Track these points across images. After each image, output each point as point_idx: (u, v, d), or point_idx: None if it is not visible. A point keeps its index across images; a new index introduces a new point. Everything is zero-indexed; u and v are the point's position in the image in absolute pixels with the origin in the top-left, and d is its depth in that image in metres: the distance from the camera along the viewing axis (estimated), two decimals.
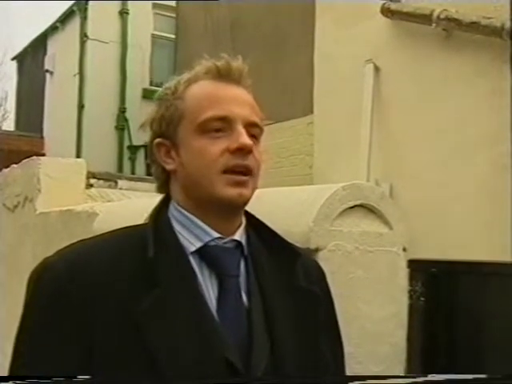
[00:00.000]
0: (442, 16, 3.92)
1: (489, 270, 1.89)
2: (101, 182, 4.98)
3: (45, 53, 14.27)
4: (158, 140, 1.15)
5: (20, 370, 1.03)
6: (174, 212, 1.14)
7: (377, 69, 4.60)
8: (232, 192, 1.08)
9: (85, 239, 1.13)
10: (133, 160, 12.50)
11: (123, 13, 12.56)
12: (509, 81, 3.54)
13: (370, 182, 4.01)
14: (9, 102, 21.49)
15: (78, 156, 11.10)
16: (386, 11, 4.45)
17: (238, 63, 1.15)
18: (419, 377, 1.22)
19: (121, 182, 5.23)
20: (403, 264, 1.88)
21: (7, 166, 4.85)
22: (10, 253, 4.44)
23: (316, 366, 1.15)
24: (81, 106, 12.43)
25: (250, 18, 7.06)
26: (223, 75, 1.13)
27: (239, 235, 1.15)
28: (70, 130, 12.54)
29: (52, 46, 14.16)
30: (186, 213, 1.13)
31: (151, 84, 12.71)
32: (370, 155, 4.41)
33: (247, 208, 1.18)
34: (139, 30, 12.60)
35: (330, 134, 5.06)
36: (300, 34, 5.88)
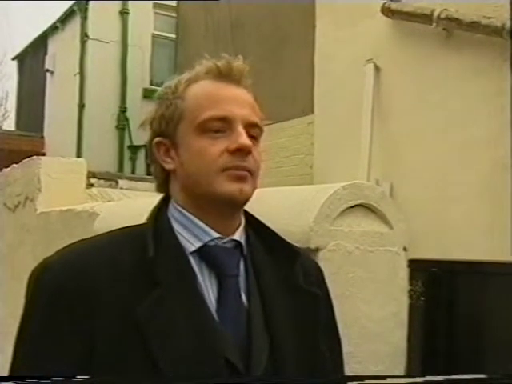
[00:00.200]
0: (442, 16, 3.92)
1: (489, 270, 1.89)
2: (101, 181, 4.99)
3: (45, 52, 14.26)
4: (157, 139, 1.15)
5: (21, 370, 1.03)
6: (174, 212, 1.14)
7: (377, 68, 4.60)
8: (233, 187, 1.08)
9: (85, 239, 1.13)
10: (133, 160, 12.50)
11: (124, 12, 12.56)
12: (509, 80, 3.54)
13: (370, 182, 4.01)
14: (9, 102, 21.50)
15: (79, 156, 11.09)
16: (387, 11, 4.45)
17: (238, 63, 1.14)
18: (419, 377, 1.22)
19: (121, 182, 5.24)
20: (403, 264, 1.89)
21: (8, 166, 4.85)
22: (11, 252, 4.44)
23: (315, 365, 1.15)
24: (81, 106, 12.43)
25: (250, 18, 7.06)
26: (224, 75, 1.13)
27: (239, 235, 1.15)
28: (70, 129, 12.54)
29: (52, 45, 14.16)
30: (185, 212, 1.13)
31: (152, 84, 12.70)
32: (370, 155, 4.41)
33: (247, 208, 1.18)
34: (140, 29, 12.59)
35: (331, 133, 5.06)
36: (300, 34, 5.88)
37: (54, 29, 14.06)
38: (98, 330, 1.00)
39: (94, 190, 4.45)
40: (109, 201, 4.12)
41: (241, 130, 1.09)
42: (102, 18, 12.40)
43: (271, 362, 1.08)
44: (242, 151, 1.09)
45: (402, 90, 4.40)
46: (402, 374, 1.82)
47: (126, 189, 4.85)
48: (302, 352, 1.13)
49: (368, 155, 4.41)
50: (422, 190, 4.06)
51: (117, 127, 12.51)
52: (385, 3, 4.45)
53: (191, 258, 1.09)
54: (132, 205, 3.01)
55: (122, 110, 12.49)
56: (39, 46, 14.82)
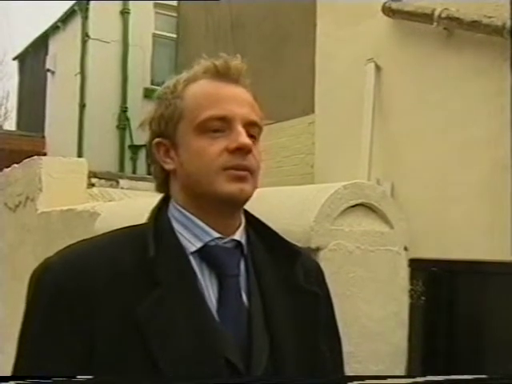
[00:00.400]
0: (443, 15, 3.92)
1: (489, 270, 1.89)
2: (102, 181, 4.99)
3: (46, 52, 14.27)
4: (157, 140, 1.15)
5: (22, 370, 1.03)
6: (174, 212, 1.14)
7: (378, 68, 4.61)
8: (233, 187, 1.08)
9: (85, 239, 1.13)
10: (134, 159, 12.50)
11: (124, 12, 12.56)
12: (509, 80, 3.54)
13: (371, 181, 4.01)
14: (10, 102, 21.53)
15: (80, 155, 11.10)
16: (388, 10, 4.45)
17: (236, 62, 1.14)
18: (419, 377, 1.22)
19: (122, 182, 5.24)
20: (404, 263, 1.89)
21: (8, 166, 4.85)
22: (11, 252, 4.44)
23: (315, 365, 1.15)
24: (82, 106, 12.43)
25: (250, 18, 7.05)
26: (222, 74, 1.13)
27: (239, 235, 1.15)
28: (71, 129, 12.54)
29: (53, 45, 14.16)
30: (185, 212, 1.13)
31: (152, 83, 12.70)
32: (371, 154, 4.41)
33: (248, 208, 1.18)
34: (140, 29, 12.59)
35: (331, 133, 5.06)
36: (301, 33, 5.88)
37: (54, 28, 14.06)
38: (98, 330, 1.00)
39: (94, 189, 4.45)
40: (110, 200, 4.12)
41: (240, 129, 1.09)
42: (102, 17, 12.40)
43: (271, 362, 1.08)
44: (242, 150, 1.08)
45: (403, 89, 4.40)
46: (402, 374, 1.82)
47: (127, 188, 4.85)
48: (302, 352, 1.13)
49: (369, 155, 4.41)
50: (422, 189, 4.06)
51: (118, 127, 12.51)
52: (385, 3, 4.45)
53: (192, 258, 1.09)
54: (133, 204, 3.02)
55: (123, 110, 12.50)
56: (40, 45, 14.82)
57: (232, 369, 1.04)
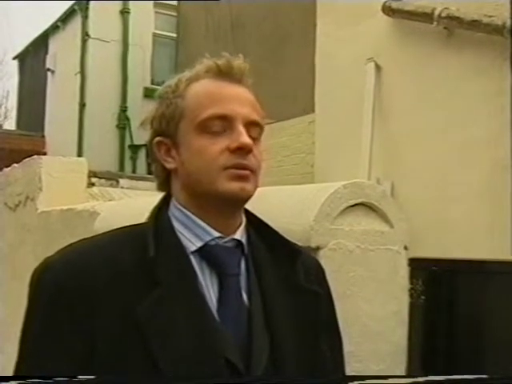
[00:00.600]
0: (443, 14, 3.92)
1: (489, 269, 1.89)
2: (102, 180, 4.99)
3: (46, 52, 14.26)
4: (158, 138, 1.15)
5: (23, 369, 1.03)
6: (175, 211, 1.14)
7: (378, 67, 4.60)
8: (234, 186, 1.08)
9: (85, 238, 1.13)
10: (134, 159, 12.50)
11: (124, 12, 12.56)
12: (509, 80, 3.54)
13: (371, 181, 4.01)
14: (10, 101, 21.52)
15: (80, 155, 11.09)
16: (388, 10, 4.45)
17: (238, 62, 1.14)
18: (419, 377, 1.22)
19: (122, 181, 5.23)
20: (404, 262, 1.89)
21: (8, 165, 4.85)
22: (11, 252, 4.44)
23: (316, 365, 1.15)
24: (82, 105, 12.42)
25: (251, 17, 7.05)
26: (224, 74, 1.13)
27: (240, 234, 1.15)
28: (71, 128, 12.54)
29: (53, 44, 14.15)
30: (186, 212, 1.13)
31: (152, 83, 12.69)
32: (371, 154, 4.41)
33: (248, 207, 1.18)
34: (140, 28, 12.59)
35: (332, 132, 5.06)
36: (301, 33, 5.88)
37: (54, 28, 14.06)
38: (98, 330, 1.00)
39: (94, 189, 4.45)
40: (110, 200, 4.11)
41: (241, 128, 1.09)
42: (102, 17, 12.40)
43: (271, 362, 1.08)
44: (243, 150, 1.08)
45: (403, 88, 4.40)
46: (403, 373, 1.82)
47: (127, 188, 4.85)
48: (303, 351, 1.13)
49: (369, 154, 4.41)
50: (422, 189, 4.06)
51: (117, 126, 12.51)
52: (385, 2, 4.45)
53: (192, 258, 1.09)
54: (133, 204, 3.02)
55: (123, 109, 12.49)
56: (40, 45, 14.82)
57: (232, 368, 1.04)
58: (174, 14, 10.34)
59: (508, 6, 3.59)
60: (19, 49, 16.74)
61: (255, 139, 1.12)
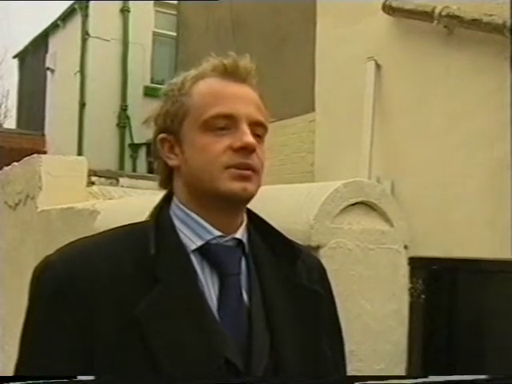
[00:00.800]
0: (443, 13, 3.92)
1: (490, 268, 1.89)
2: (102, 179, 4.98)
3: (46, 51, 14.27)
4: (161, 135, 1.15)
5: (23, 368, 1.03)
6: (176, 210, 1.14)
7: (378, 66, 4.61)
8: (236, 186, 1.08)
9: (86, 237, 1.13)
10: (134, 158, 12.50)
11: (124, 11, 12.56)
12: (509, 79, 3.54)
13: (371, 180, 4.01)
14: (10, 100, 21.54)
15: (80, 154, 11.10)
16: (388, 8, 4.45)
17: (245, 62, 1.14)
18: (419, 377, 1.22)
19: (122, 180, 5.23)
20: (404, 261, 1.88)
21: (8, 164, 4.84)
22: (12, 250, 4.44)
23: (316, 364, 1.15)
24: (82, 104, 12.43)
25: (251, 16, 7.05)
26: (230, 73, 1.13)
27: (240, 233, 1.15)
28: (71, 127, 12.54)
29: (53, 43, 14.16)
30: (187, 210, 1.13)
31: (152, 82, 12.71)
32: (371, 153, 4.41)
33: (249, 206, 1.17)
34: (140, 27, 12.59)
35: (332, 131, 5.06)
36: (301, 32, 5.87)
37: (54, 27, 14.06)
38: (99, 328, 0.99)
39: (94, 188, 4.44)
40: (110, 199, 4.11)
41: (245, 128, 1.09)
42: (102, 16, 12.40)
43: (272, 361, 1.08)
44: (246, 149, 1.08)
45: (403, 87, 4.40)
46: (403, 372, 1.82)
47: (127, 187, 4.84)
48: (303, 351, 1.13)
49: (369, 153, 4.41)
50: (422, 188, 4.06)
51: (118, 125, 12.52)
52: (386, 1, 4.45)
53: (192, 257, 1.09)
54: (133, 203, 3.02)
55: (123, 108, 12.50)
56: (40, 44, 14.82)
57: (232, 368, 1.03)
58: (174, 12, 10.34)
59: (508, 5, 3.59)
60: (19, 48, 16.75)
61: (259, 139, 1.12)
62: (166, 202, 1.16)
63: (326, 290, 1.24)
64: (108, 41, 12.35)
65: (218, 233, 1.11)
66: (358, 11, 4.82)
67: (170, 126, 1.14)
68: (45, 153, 10.04)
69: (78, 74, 12.49)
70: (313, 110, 5.42)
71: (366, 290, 1.79)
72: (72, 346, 1.00)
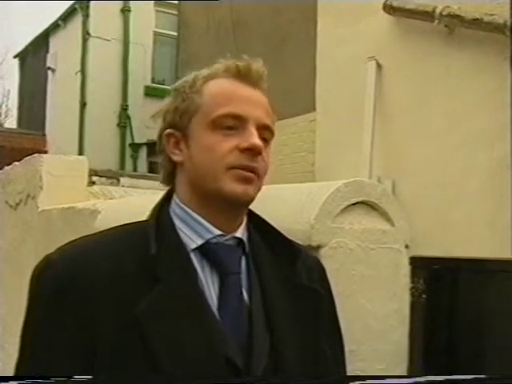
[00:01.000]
0: (444, 13, 3.92)
1: (491, 268, 1.89)
2: (103, 179, 4.98)
3: (47, 50, 14.28)
4: (168, 130, 1.15)
5: (23, 367, 1.03)
6: (176, 209, 1.14)
7: (379, 66, 4.60)
8: (238, 188, 1.08)
9: (86, 236, 1.13)
10: (135, 157, 12.52)
11: (125, 10, 12.57)
12: (510, 78, 3.53)
13: (371, 179, 4.01)
14: (11, 100, 21.56)
15: (80, 153, 11.11)
16: (389, 8, 4.45)
17: (258, 65, 1.15)
18: (418, 377, 1.22)
19: (123, 180, 5.23)
20: (405, 261, 1.88)
21: (9, 164, 4.84)
22: (12, 250, 4.44)
23: (316, 364, 1.15)
24: (83, 104, 12.44)
25: (251, 16, 7.05)
26: (242, 75, 1.14)
27: (241, 232, 1.15)
28: (72, 127, 12.56)
29: (54, 43, 14.17)
30: (187, 209, 1.13)
31: (153, 81, 12.72)
32: (371, 152, 4.41)
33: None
34: (141, 27, 12.60)
35: (332, 131, 5.06)
36: (302, 32, 5.87)
37: (55, 27, 14.08)
38: (99, 328, 0.99)
39: (95, 187, 4.44)
40: (110, 198, 4.11)
41: (253, 130, 1.10)
42: (103, 15, 12.42)
43: (272, 360, 1.08)
44: (252, 151, 1.09)
45: (404, 87, 4.40)
46: (404, 372, 1.82)
47: (128, 186, 4.84)
48: (303, 350, 1.13)
49: (370, 153, 4.41)
50: (423, 187, 4.06)
51: (118, 125, 12.53)
52: (387, 0, 4.45)
53: (192, 255, 1.09)
54: (134, 202, 3.01)
55: (124, 108, 12.51)
56: (41, 44, 14.83)
57: (232, 367, 1.04)
58: (175, 12, 10.34)
59: (509, 5, 3.59)
60: (20, 47, 16.77)
61: (265, 143, 1.13)
62: (166, 201, 1.17)
63: (325, 289, 1.24)
64: (109, 40, 12.36)
65: (218, 232, 1.11)
66: (359, 11, 4.82)
67: (179, 122, 1.14)
68: (46, 152, 10.04)
69: (79, 74, 12.51)
70: (313, 109, 5.42)
71: (367, 289, 1.78)
72: (72, 345, 1.00)
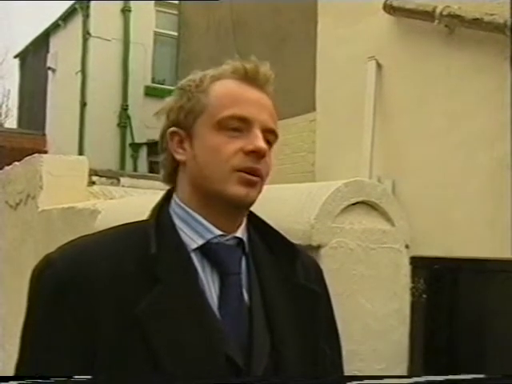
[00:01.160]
0: (444, 13, 3.92)
1: (491, 267, 1.89)
2: (103, 179, 4.98)
3: (47, 50, 14.28)
4: (173, 128, 1.15)
5: (24, 368, 1.03)
6: (176, 208, 1.14)
7: (379, 66, 4.60)
8: (241, 191, 1.09)
9: (87, 235, 1.13)
10: (135, 157, 12.51)
11: (125, 10, 12.57)
12: (510, 78, 3.53)
13: (372, 179, 4.01)
14: (11, 100, 21.57)
15: (81, 153, 11.11)
16: (389, 8, 4.45)
17: (265, 68, 1.16)
18: (418, 377, 1.22)
19: (123, 180, 5.22)
20: (405, 261, 1.88)
21: (9, 164, 4.84)
22: (12, 250, 4.44)
23: (316, 363, 1.15)
24: (83, 104, 12.44)
25: (252, 16, 7.05)
26: (249, 78, 1.14)
27: (241, 233, 1.15)
28: (72, 127, 12.55)
29: (54, 43, 14.17)
30: (188, 209, 1.13)
31: (153, 81, 12.72)
32: (372, 152, 4.41)
33: None
34: (141, 27, 12.61)
35: (332, 131, 5.06)
36: (302, 32, 5.87)
37: (55, 27, 14.08)
38: (99, 327, 0.99)
39: (95, 187, 4.44)
40: (110, 198, 4.11)
41: (258, 133, 1.10)
42: (103, 15, 12.41)
43: (272, 360, 1.08)
44: (257, 154, 1.09)
45: (404, 87, 4.40)
46: (404, 372, 1.82)
47: (128, 186, 4.84)
48: (303, 350, 1.13)
49: (370, 153, 4.41)
50: (423, 187, 4.06)
51: (118, 125, 12.53)
52: (387, 0, 4.45)
53: (193, 255, 1.09)
54: (134, 202, 3.01)
55: (124, 108, 12.51)
56: (41, 43, 14.84)
57: (232, 366, 1.04)
58: (175, 12, 10.34)
59: (509, 5, 3.59)
60: (20, 47, 16.77)
61: (269, 146, 1.13)
62: (166, 200, 1.17)
63: (322, 290, 1.25)
64: (109, 40, 12.36)
65: (219, 232, 1.11)
66: (359, 11, 4.82)
67: (183, 120, 1.14)
68: (46, 152, 10.04)
69: (79, 74, 12.51)
70: (313, 109, 5.42)
71: (367, 289, 1.78)
72: (72, 344, 1.00)
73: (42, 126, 14.30)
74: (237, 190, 1.08)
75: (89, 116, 12.37)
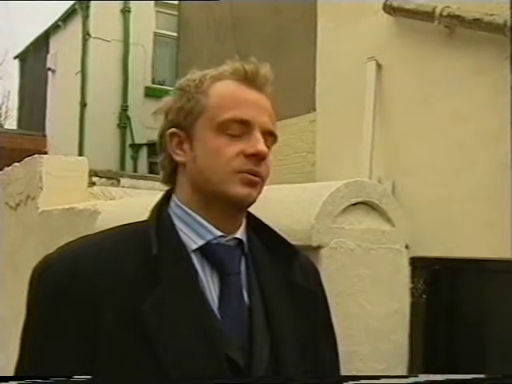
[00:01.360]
0: (444, 13, 3.92)
1: (491, 268, 1.89)
2: (103, 180, 4.97)
3: (47, 51, 14.28)
4: (172, 129, 1.15)
5: (25, 369, 1.03)
6: (175, 208, 1.14)
7: (379, 66, 4.60)
8: (243, 191, 1.09)
9: (86, 236, 1.13)
10: (135, 158, 12.51)
11: (125, 11, 12.56)
12: (510, 78, 3.53)
13: (372, 180, 4.01)
14: (11, 101, 21.57)
15: (81, 154, 11.11)
16: (389, 8, 4.45)
17: (265, 70, 1.16)
18: (418, 377, 1.22)
19: (123, 180, 5.22)
20: (405, 261, 1.88)
21: (9, 165, 4.85)
22: (13, 251, 4.44)
23: (315, 363, 1.16)
24: (83, 105, 12.43)
25: (251, 16, 7.05)
26: (249, 79, 1.14)
27: (240, 233, 1.15)
28: (72, 128, 12.55)
29: (54, 44, 14.16)
30: (187, 210, 1.13)
31: (153, 82, 12.72)
32: (372, 152, 4.41)
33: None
34: (141, 28, 12.60)
35: (333, 131, 5.06)
36: (302, 32, 5.87)
37: (55, 27, 14.07)
38: (100, 328, 0.99)
39: (95, 188, 4.44)
40: (110, 199, 4.11)
41: (259, 135, 1.10)
42: (103, 16, 12.40)
43: (272, 360, 1.08)
44: (258, 156, 1.09)
45: (404, 87, 4.40)
46: (404, 372, 1.82)
47: (128, 187, 4.83)
48: (303, 350, 1.13)
49: (370, 153, 4.40)
50: (423, 187, 4.06)
51: (118, 126, 12.52)
52: (387, 1, 4.45)
53: (193, 256, 1.10)
54: (134, 203, 3.01)
55: (124, 109, 12.50)
56: (41, 44, 14.83)
57: (233, 366, 1.04)
58: (175, 13, 10.33)
59: (509, 5, 3.59)
60: (20, 48, 16.77)
61: (268, 148, 1.13)
62: (165, 201, 1.17)
63: (320, 291, 1.25)
64: (109, 41, 12.35)
65: (219, 233, 1.11)
66: (359, 11, 4.81)
67: (183, 121, 1.14)
68: (46, 153, 10.02)
69: (79, 75, 12.50)
70: (313, 109, 5.42)
71: (367, 289, 1.78)
72: (72, 345, 1.00)
73: (41, 126, 14.30)
74: (239, 190, 1.09)
75: (89, 117, 12.36)
